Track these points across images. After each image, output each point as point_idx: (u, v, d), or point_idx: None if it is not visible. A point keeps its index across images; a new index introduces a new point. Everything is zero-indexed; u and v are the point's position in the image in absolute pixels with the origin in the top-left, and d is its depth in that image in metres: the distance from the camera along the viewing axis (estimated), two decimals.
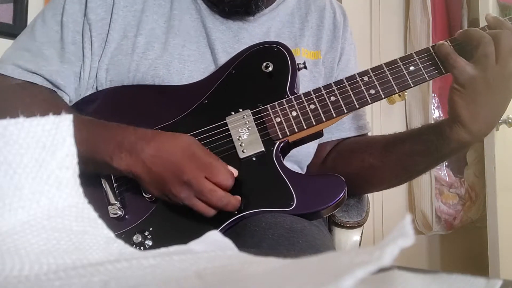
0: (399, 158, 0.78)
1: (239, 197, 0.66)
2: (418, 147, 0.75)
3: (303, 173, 0.90)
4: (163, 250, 0.28)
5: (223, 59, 0.79)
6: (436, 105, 2.07)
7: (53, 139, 0.27)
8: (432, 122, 2.00)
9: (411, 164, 0.79)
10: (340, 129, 0.89)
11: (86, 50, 0.77)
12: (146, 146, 0.64)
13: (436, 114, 2.07)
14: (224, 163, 0.67)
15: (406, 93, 1.99)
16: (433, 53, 0.72)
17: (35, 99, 0.74)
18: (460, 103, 0.67)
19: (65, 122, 0.28)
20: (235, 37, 0.81)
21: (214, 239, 0.31)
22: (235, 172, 0.67)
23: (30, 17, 1.38)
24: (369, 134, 0.95)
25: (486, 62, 0.65)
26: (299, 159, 0.85)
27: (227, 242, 0.31)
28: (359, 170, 0.82)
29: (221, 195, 0.63)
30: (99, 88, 0.78)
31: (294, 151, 0.77)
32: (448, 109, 0.70)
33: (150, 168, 0.63)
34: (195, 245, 0.30)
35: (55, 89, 0.77)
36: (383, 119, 1.97)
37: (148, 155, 0.63)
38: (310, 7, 0.90)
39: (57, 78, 0.76)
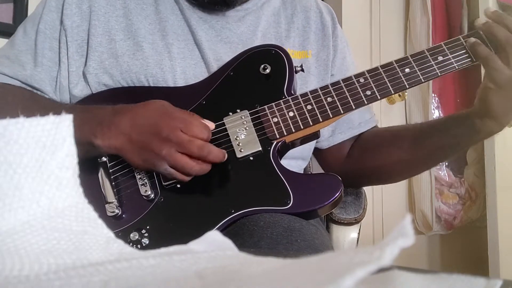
0: (430, 151, 0.81)
1: (223, 151, 0.67)
2: (447, 140, 0.78)
3: (305, 166, 0.92)
4: (163, 250, 0.28)
5: (209, 55, 0.80)
6: (436, 105, 2.07)
7: (53, 139, 0.27)
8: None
9: (441, 155, 0.84)
10: (351, 127, 0.90)
11: (62, 55, 0.80)
12: (123, 118, 0.66)
13: (436, 114, 2.06)
14: (199, 117, 0.68)
15: (406, 93, 1.99)
16: (428, 55, 0.73)
17: (15, 98, 0.78)
18: (494, 101, 0.70)
19: (65, 122, 0.28)
20: (218, 36, 0.83)
21: (214, 239, 0.31)
22: (211, 125, 0.69)
23: None
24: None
25: None
26: (303, 155, 0.88)
27: (227, 242, 0.31)
28: (387, 164, 0.85)
29: (200, 143, 0.64)
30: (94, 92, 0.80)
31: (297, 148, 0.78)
32: (479, 104, 0.72)
33: (130, 137, 0.65)
34: (195, 245, 0.30)
35: (35, 91, 0.80)
36: (383, 119, 1.97)
37: (126, 125, 0.66)
38: (296, 7, 0.91)
39: (32, 82, 0.79)
